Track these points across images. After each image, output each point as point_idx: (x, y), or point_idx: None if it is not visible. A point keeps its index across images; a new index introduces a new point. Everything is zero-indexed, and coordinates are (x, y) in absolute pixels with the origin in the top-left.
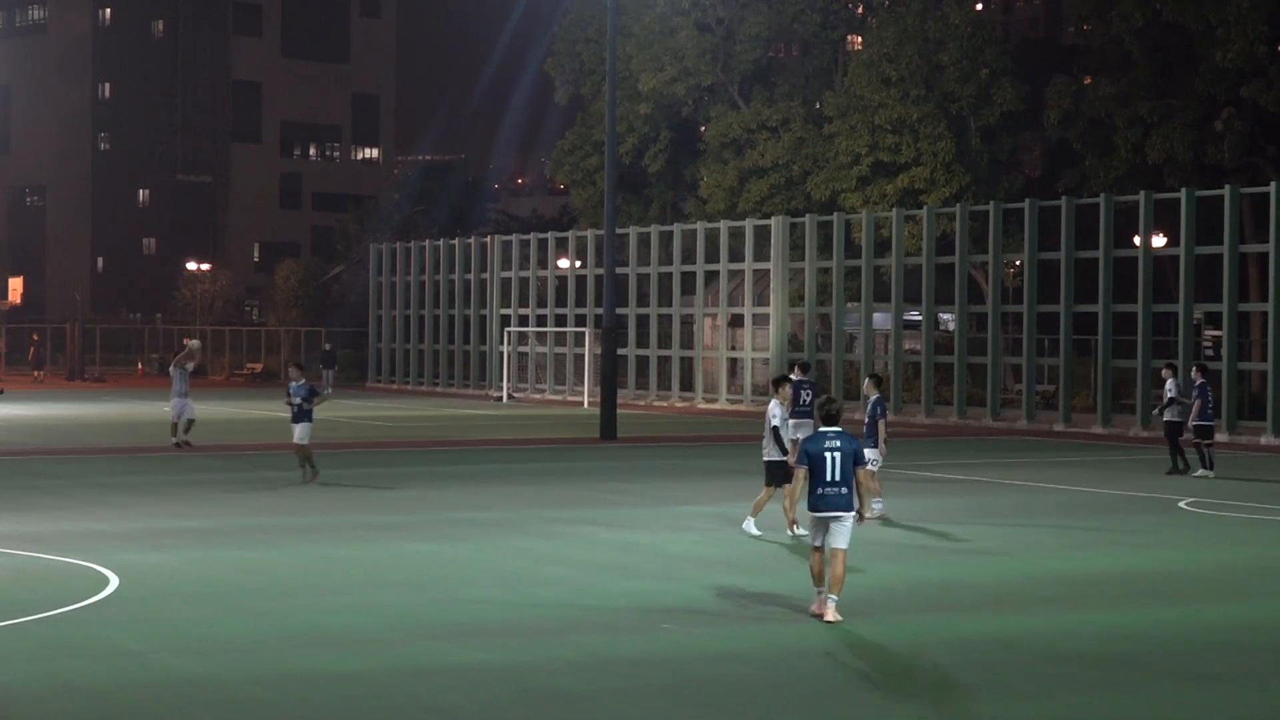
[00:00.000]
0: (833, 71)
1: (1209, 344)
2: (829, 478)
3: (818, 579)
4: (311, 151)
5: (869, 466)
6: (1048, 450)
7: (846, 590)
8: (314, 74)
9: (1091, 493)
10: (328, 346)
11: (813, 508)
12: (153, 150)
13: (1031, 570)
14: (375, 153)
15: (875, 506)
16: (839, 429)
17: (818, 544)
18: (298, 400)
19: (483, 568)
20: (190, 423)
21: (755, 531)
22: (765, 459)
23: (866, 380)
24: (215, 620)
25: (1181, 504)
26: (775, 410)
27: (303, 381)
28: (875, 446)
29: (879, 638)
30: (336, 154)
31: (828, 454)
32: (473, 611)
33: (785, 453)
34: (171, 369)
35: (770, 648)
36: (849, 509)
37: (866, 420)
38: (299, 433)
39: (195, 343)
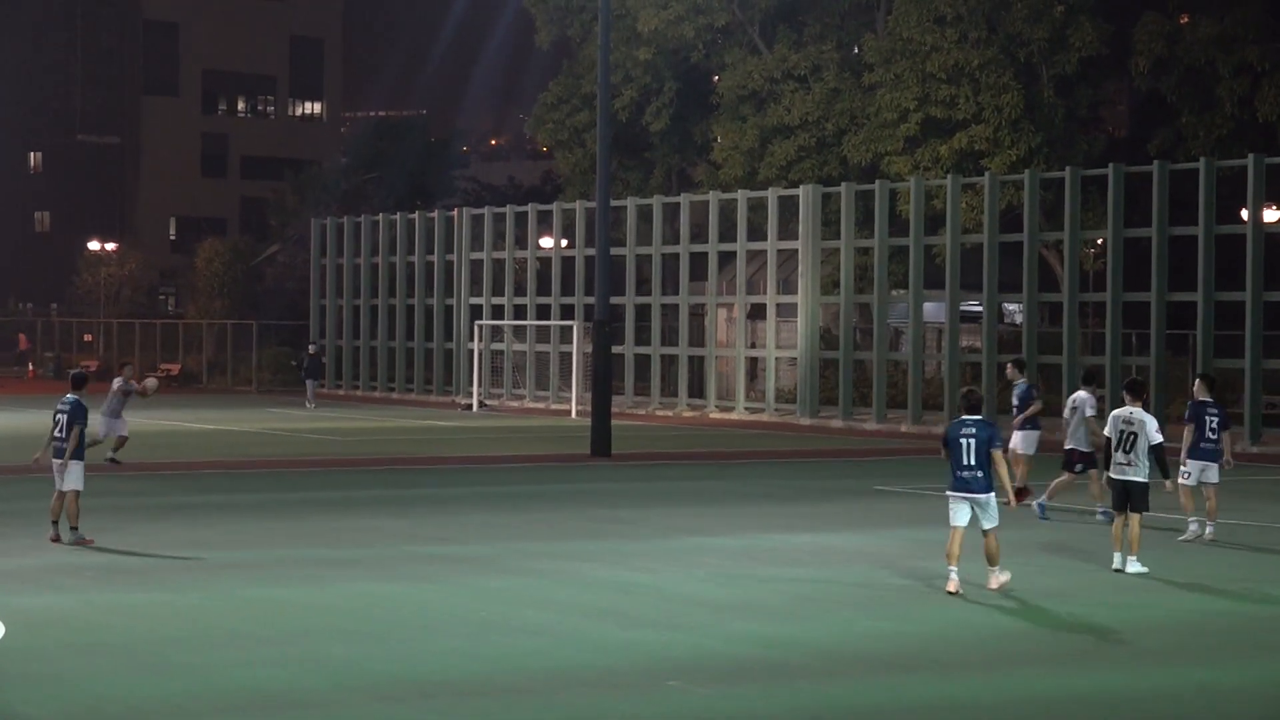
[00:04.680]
0: (874, 9)
1: None
2: (965, 461)
3: (950, 557)
4: (240, 107)
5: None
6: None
7: (905, 643)
8: (243, 13)
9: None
10: (312, 350)
11: (952, 489)
12: (45, 105)
13: (1122, 615)
14: (317, 108)
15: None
16: (979, 417)
17: (955, 523)
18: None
19: (450, 613)
20: (122, 440)
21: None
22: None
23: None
24: (122, 678)
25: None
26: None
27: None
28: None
29: (941, 697)
30: (271, 110)
31: (963, 440)
32: (438, 666)
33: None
34: (116, 383)
35: (795, 709)
36: (985, 491)
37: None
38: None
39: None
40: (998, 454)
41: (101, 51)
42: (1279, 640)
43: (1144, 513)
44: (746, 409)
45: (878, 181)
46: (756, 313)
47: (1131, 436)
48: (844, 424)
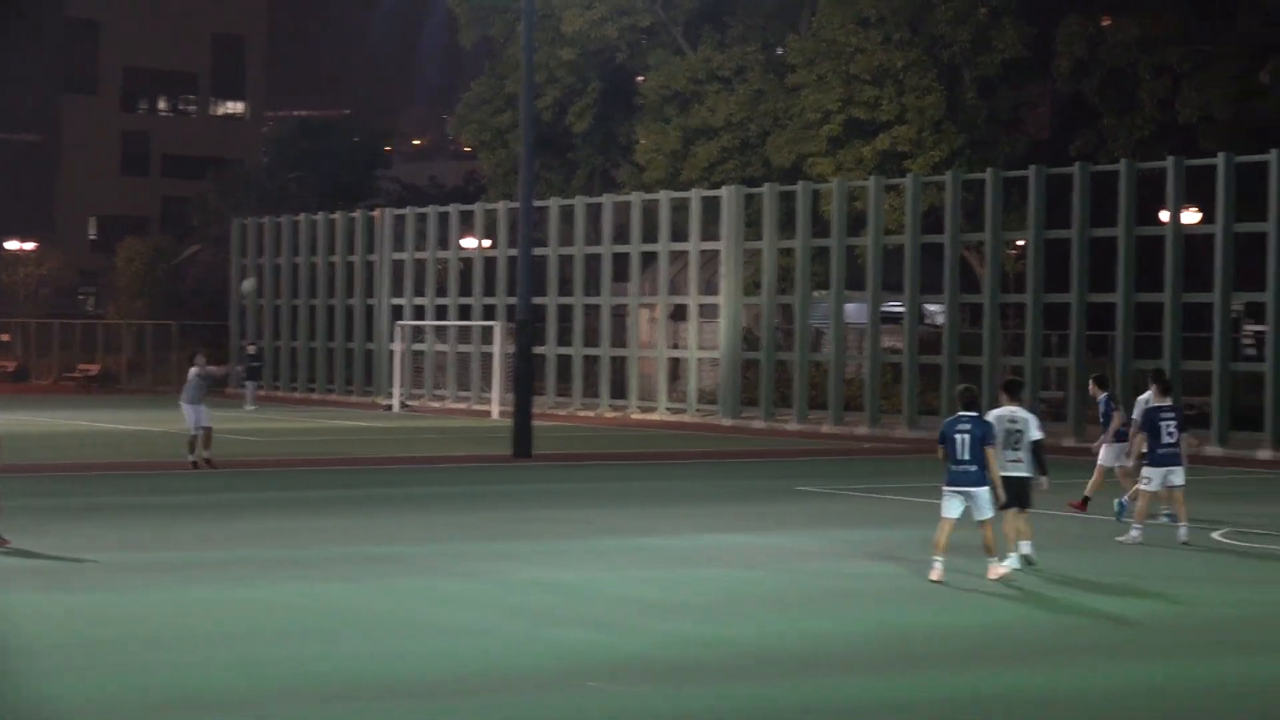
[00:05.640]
0: (799, 9)
1: (1250, 341)
2: (959, 456)
3: (937, 546)
4: (161, 105)
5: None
6: (1058, 470)
7: (859, 641)
8: (165, 10)
9: (1096, 520)
10: (252, 349)
11: (947, 483)
12: None
13: (1033, 617)
14: (240, 107)
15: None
16: (974, 414)
17: (946, 515)
18: None
19: (369, 613)
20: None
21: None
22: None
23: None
24: (46, 680)
25: (1215, 535)
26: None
27: None
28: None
29: (868, 697)
30: (193, 108)
31: (958, 435)
32: (363, 666)
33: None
34: (192, 372)
35: (720, 709)
36: (978, 485)
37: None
38: None
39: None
40: (990, 451)
41: (20, 49)
42: (1147, 644)
43: (1028, 509)
44: (668, 409)
45: (800, 183)
46: (679, 313)
47: (1018, 434)
48: (765, 424)
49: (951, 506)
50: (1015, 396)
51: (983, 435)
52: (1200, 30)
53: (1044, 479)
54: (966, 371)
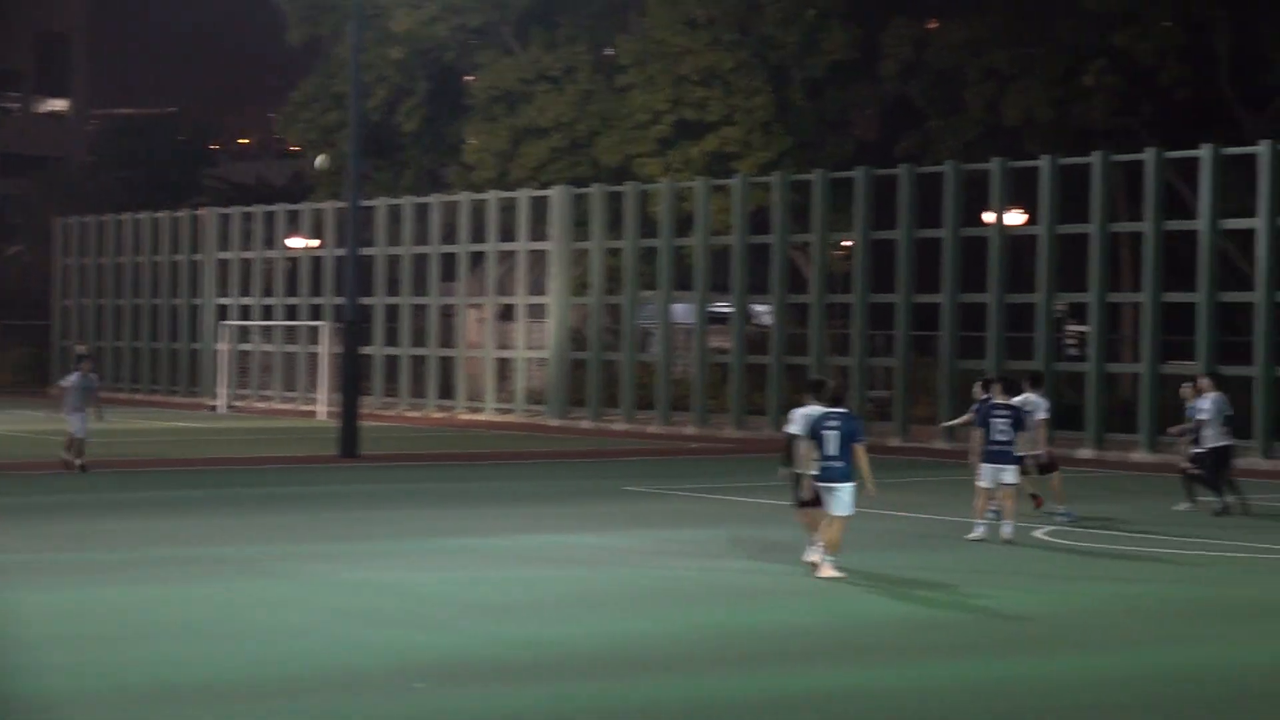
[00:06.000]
0: (627, 10)
1: (1072, 341)
2: (828, 452)
3: (808, 529)
4: None
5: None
6: (880, 469)
7: (686, 640)
8: None
9: (929, 520)
10: (81, 349)
11: (818, 479)
12: None
13: (871, 614)
14: (64, 105)
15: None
16: (843, 410)
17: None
18: None
19: (192, 616)
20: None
21: None
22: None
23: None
24: None
25: (1037, 533)
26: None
27: None
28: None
29: (691, 696)
30: (15, 106)
31: (826, 432)
32: (189, 668)
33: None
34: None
35: (544, 709)
36: (843, 480)
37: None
38: None
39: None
40: (859, 447)
41: None
42: (975, 640)
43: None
44: (496, 410)
45: (629, 183)
46: (507, 313)
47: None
48: (593, 425)
49: (826, 503)
50: (822, 397)
51: (851, 432)
52: (1025, 34)
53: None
54: (793, 371)
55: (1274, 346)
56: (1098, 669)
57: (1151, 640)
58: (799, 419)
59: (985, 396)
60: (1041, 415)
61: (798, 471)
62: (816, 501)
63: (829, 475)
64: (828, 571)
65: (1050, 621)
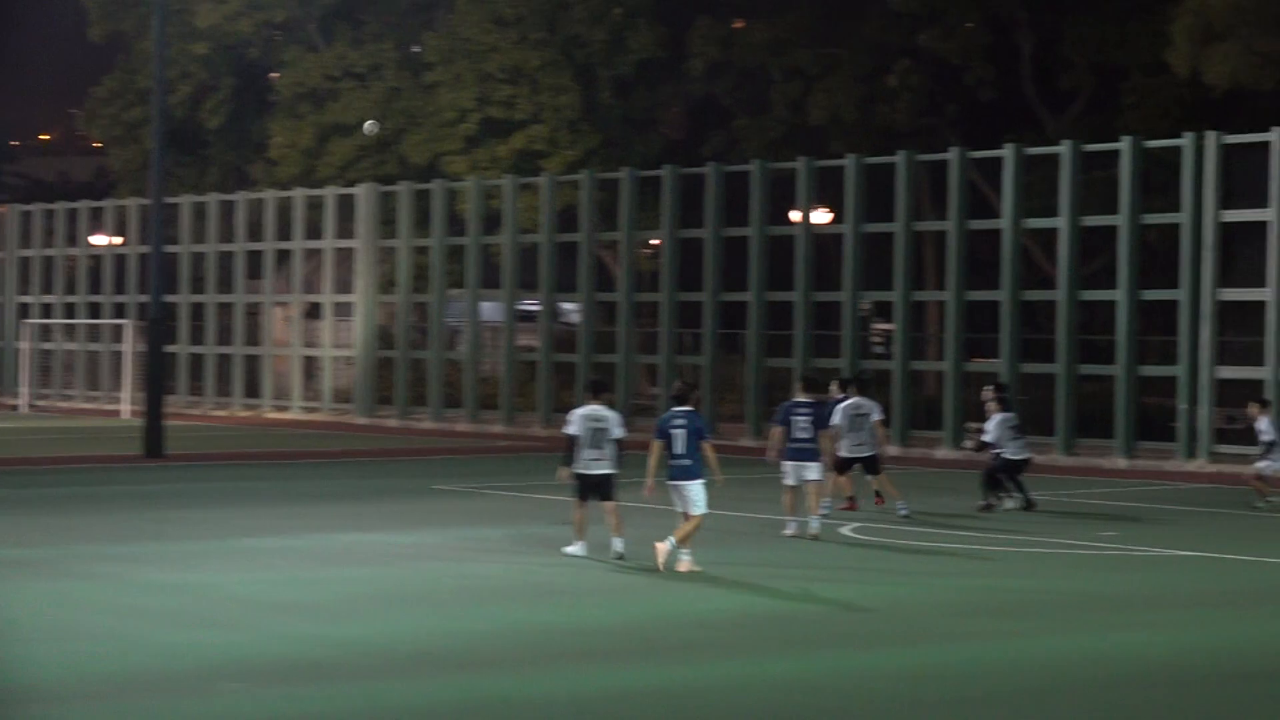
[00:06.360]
0: (434, 7)
1: (878, 339)
2: (676, 451)
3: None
4: None
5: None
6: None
7: (496, 638)
8: None
9: (729, 517)
10: None
11: (667, 478)
12: None
13: (657, 612)
14: None
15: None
16: (689, 409)
17: (679, 508)
18: None
19: (4, 617)
20: None
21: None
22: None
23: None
24: None
25: (845, 530)
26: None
27: None
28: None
29: (496, 695)
30: None
31: (673, 430)
32: None
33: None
34: None
35: (356, 709)
36: (693, 478)
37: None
38: None
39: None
40: (706, 444)
41: None
42: (812, 634)
43: (617, 501)
44: (303, 408)
45: (436, 181)
46: (314, 311)
47: (601, 432)
48: (401, 423)
49: (676, 501)
50: (598, 395)
51: (697, 430)
52: (830, 34)
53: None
54: (601, 370)
55: (1076, 345)
56: (904, 664)
57: (963, 635)
58: (576, 419)
59: (842, 395)
60: (877, 416)
61: (578, 471)
62: (588, 496)
63: (678, 473)
64: (685, 565)
65: (861, 616)
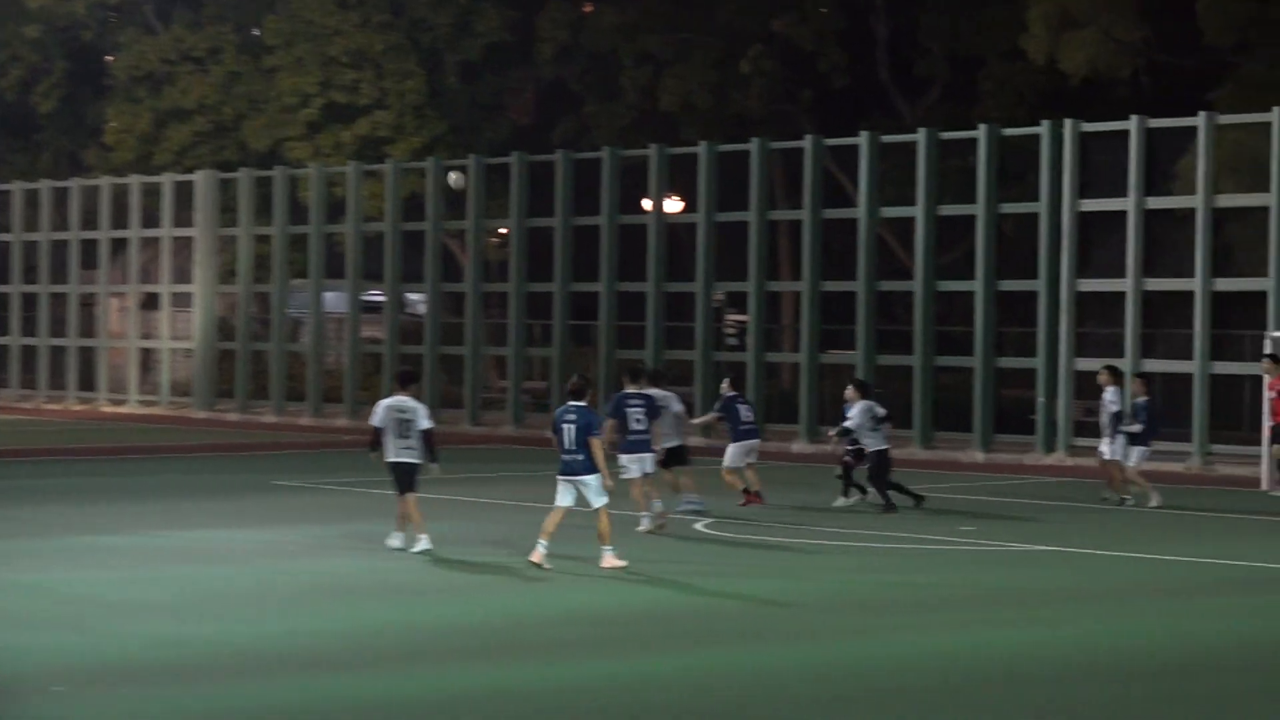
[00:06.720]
0: None
1: (732, 330)
2: (566, 446)
3: (544, 532)
4: None
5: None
6: (538, 461)
7: (347, 637)
8: None
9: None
10: None
11: (559, 473)
12: None
13: (531, 610)
14: None
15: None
16: (581, 404)
17: (559, 503)
18: None
19: None
20: None
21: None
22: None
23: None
24: None
25: (699, 526)
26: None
27: None
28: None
29: (352, 695)
30: None
31: (565, 425)
32: None
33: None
34: None
35: (193, 710)
36: (586, 473)
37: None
38: None
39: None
40: (595, 440)
41: None
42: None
43: (418, 493)
44: (140, 402)
45: (278, 168)
46: (151, 302)
47: (407, 423)
48: (241, 417)
49: (563, 496)
50: (405, 386)
51: (587, 425)
52: (681, 18)
53: (435, 466)
54: (448, 361)
55: (933, 336)
56: (764, 662)
57: (829, 632)
58: (381, 410)
59: (733, 393)
60: (677, 408)
61: (388, 460)
62: (403, 489)
63: (570, 469)
64: (610, 561)
65: (706, 616)
